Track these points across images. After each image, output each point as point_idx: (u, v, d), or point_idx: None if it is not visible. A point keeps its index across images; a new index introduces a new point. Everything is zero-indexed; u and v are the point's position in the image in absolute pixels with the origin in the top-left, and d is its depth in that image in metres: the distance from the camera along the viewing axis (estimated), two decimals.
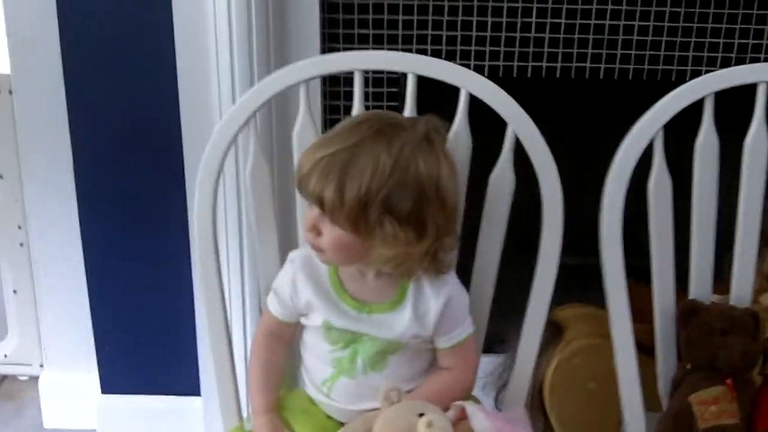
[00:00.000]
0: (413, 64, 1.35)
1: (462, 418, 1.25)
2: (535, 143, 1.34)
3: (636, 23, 1.71)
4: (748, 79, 1.36)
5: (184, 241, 1.83)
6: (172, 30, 1.68)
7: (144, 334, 1.95)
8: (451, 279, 1.30)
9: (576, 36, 1.71)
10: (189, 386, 1.97)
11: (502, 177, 1.36)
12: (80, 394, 2.06)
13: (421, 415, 1.20)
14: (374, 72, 1.54)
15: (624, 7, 1.69)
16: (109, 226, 1.88)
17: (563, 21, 1.69)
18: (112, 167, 1.84)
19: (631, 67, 1.74)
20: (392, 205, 1.16)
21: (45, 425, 2.11)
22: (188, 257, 1.83)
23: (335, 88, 1.69)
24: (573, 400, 1.73)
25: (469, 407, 1.25)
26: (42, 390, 2.09)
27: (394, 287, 1.28)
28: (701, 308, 1.39)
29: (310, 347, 1.34)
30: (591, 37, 1.71)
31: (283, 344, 1.36)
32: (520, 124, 1.34)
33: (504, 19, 1.68)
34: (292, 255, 1.33)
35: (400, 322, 1.27)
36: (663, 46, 1.73)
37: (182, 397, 2.00)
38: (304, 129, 1.36)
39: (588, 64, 1.73)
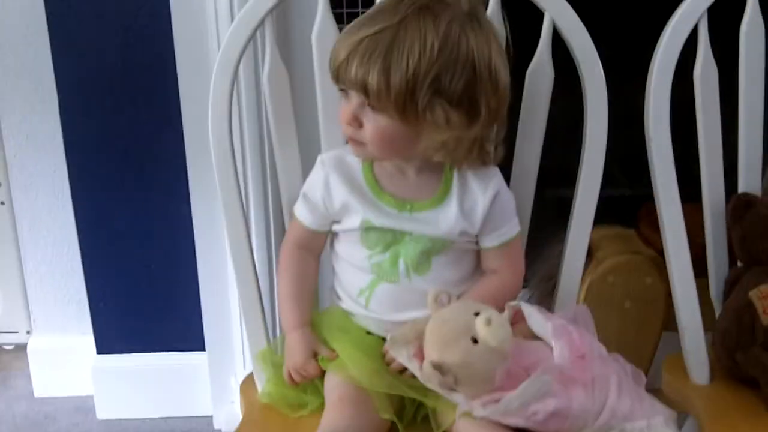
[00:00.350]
0: None
1: (517, 320, 1.15)
2: (576, 33, 1.25)
3: None
4: None
5: (182, 186, 1.73)
6: None
7: (141, 288, 1.83)
8: (497, 173, 1.21)
9: None
10: (192, 341, 1.86)
11: (540, 70, 1.26)
12: (73, 359, 1.95)
13: (477, 314, 1.10)
14: None
15: None
16: (100, 174, 1.76)
17: None
18: (100, 109, 1.72)
19: None
20: (443, 86, 1.08)
21: (36, 394, 1.99)
22: (187, 203, 1.74)
23: None
24: (608, 320, 1.64)
25: (525, 307, 1.16)
26: (31, 357, 1.98)
27: (437, 183, 1.19)
28: (755, 200, 1.31)
29: (344, 256, 1.23)
30: None
31: (313, 256, 1.26)
32: (558, 12, 1.24)
33: None
34: (322, 157, 1.23)
35: (446, 219, 1.17)
36: None
37: (185, 353, 1.89)
38: (324, 29, 1.26)
39: None
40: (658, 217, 1.30)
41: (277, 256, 1.46)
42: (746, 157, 1.34)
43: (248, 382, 1.33)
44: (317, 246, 1.25)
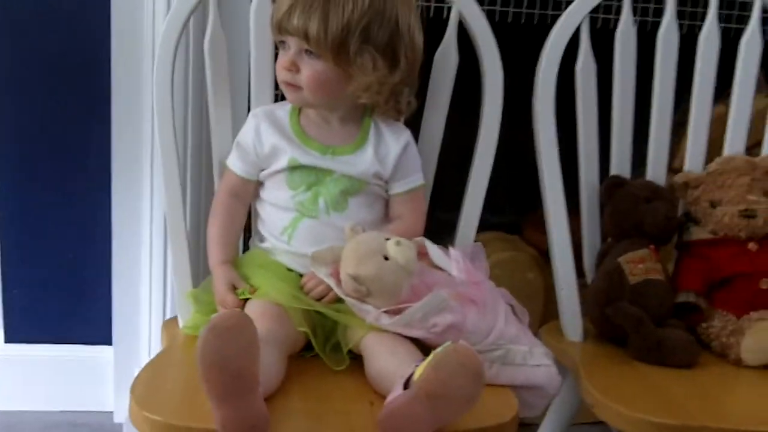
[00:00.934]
0: None
1: (422, 254, 1.31)
2: (478, 22, 1.45)
3: None
4: None
5: (104, 180, 1.81)
6: None
7: (55, 279, 1.89)
8: (408, 131, 1.39)
9: None
10: (100, 335, 1.92)
11: (447, 52, 1.46)
12: None
13: (388, 239, 1.26)
14: None
15: None
16: (23, 164, 1.83)
17: None
18: (25, 100, 1.80)
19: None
20: (371, 35, 1.27)
21: None
22: (108, 198, 1.81)
23: None
24: None
25: (427, 242, 1.32)
26: None
27: (356, 131, 1.36)
28: (625, 181, 1.52)
29: (269, 199, 1.38)
30: None
31: (242, 204, 1.40)
32: (464, 5, 1.45)
33: None
34: (254, 110, 1.40)
35: (362, 161, 1.35)
36: None
37: (92, 346, 1.94)
38: (261, 3, 1.43)
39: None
40: (541, 186, 1.48)
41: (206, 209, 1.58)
42: (618, 145, 1.54)
43: (170, 322, 1.45)
44: (246, 194, 1.40)
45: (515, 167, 1.79)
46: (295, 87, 1.31)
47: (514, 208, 2.17)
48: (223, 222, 1.38)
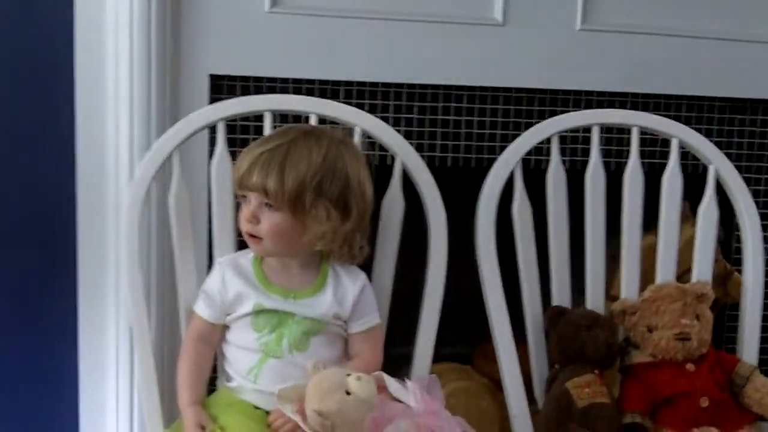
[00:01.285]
0: (316, 106, 1.59)
1: (380, 388, 1.39)
2: (420, 172, 1.59)
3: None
4: (583, 122, 1.68)
5: (70, 333, 1.89)
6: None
7: (24, 425, 1.94)
8: (363, 274, 1.50)
9: None
10: None
11: (393, 199, 1.58)
12: None
13: (349, 375, 1.35)
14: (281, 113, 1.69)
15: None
16: None
17: None
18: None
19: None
20: (324, 189, 1.40)
21: None
22: (74, 335, 1.89)
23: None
24: None
25: (385, 376, 1.41)
26: None
27: (315, 276, 1.46)
28: (566, 310, 1.63)
29: (235, 342, 1.46)
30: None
31: (209, 348, 1.48)
32: (407, 157, 1.58)
33: None
34: (219, 260, 1.50)
35: (322, 303, 1.45)
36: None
37: None
38: (222, 160, 1.55)
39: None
40: (488, 319, 1.58)
41: (170, 354, 1.65)
42: (557, 277, 1.66)
43: None
44: (213, 337, 1.48)
45: (463, 302, 1.88)
46: (257, 238, 1.41)
47: (464, 340, 2.26)
48: (190, 365, 1.46)
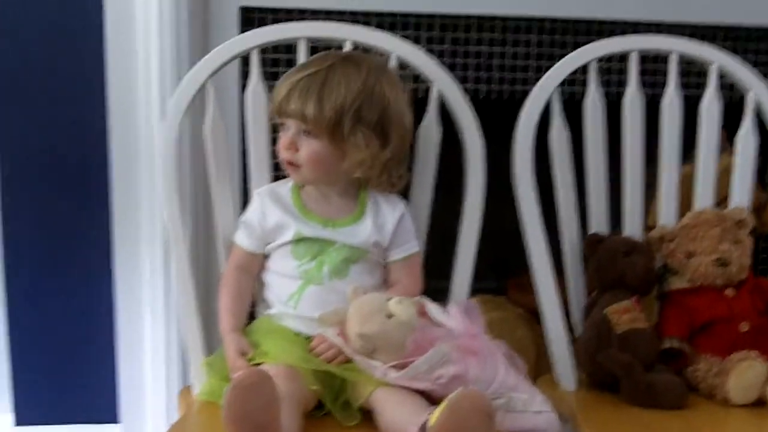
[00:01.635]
0: (352, 33, 1.58)
1: (422, 311, 1.39)
2: (457, 100, 1.57)
3: None
4: (621, 47, 1.66)
5: (106, 263, 1.90)
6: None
7: (62, 360, 1.97)
8: (401, 201, 1.49)
9: None
10: (107, 414, 1.99)
11: (430, 127, 1.57)
12: None
13: (389, 298, 1.35)
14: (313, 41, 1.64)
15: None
16: (33, 255, 1.93)
17: None
18: (37, 196, 1.91)
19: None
20: (363, 115, 1.39)
21: None
22: (109, 271, 1.91)
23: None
24: None
25: (426, 300, 1.41)
26: None
27: (354, 205, 1.47)
28: (605, 237, 1.62)
29: (276, 269, 1.47)
30: None
31: (250, 277, 1.48)
32: (443, 84, 1.57)
33: None
34: (258, 190, 1.50)
35: (363, 231, 1.45)
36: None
37: (100, 425, 2.00)
38: (257, 89, 1.54)
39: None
40: (527, 251, 1.57)
41: (210, 283, 1.66)
42: (595, 205, 1.64)
43: (185, 391, 1.51)
44: (254, 266, 1.48)
45: (496, 237, 1.88)
46: (296, 166, 1.41)
47: (496, 274, 2.27)
48: (232, 293, 1.46)
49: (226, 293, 1.46)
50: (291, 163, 1.42)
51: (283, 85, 1.40)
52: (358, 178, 1.45)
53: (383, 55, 1.54)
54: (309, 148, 1.40)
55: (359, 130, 1.39)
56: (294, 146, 1.40)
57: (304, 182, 1.46)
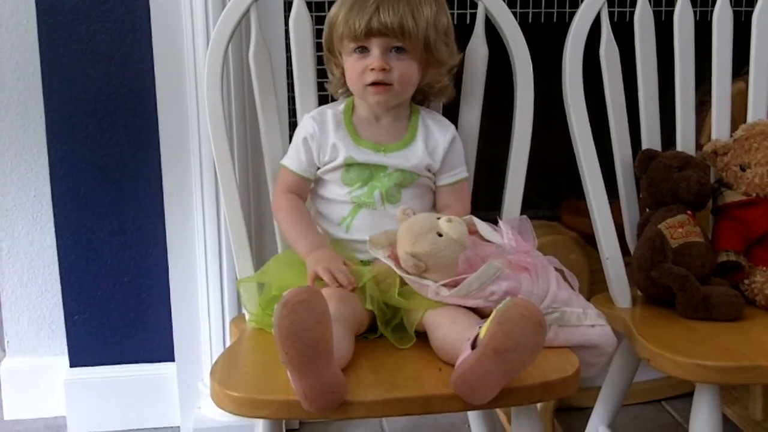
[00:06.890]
0: None
1: (471, 231, 1.38)
2: (504, 18, 1.54)
3: None
4: None
5: (157, 203, 1.90)
6: None
7: (115, 301, 1.97)
8: (452, 125, 1.49)
9: None
10: (162, 352, 2.00)
11: (476, 47, 1.54)
12: (44, 380, 2.05)
13: (439, 218, 1.34)
14: None
15: None
16: (81, 194, 1.92)
17: None
18: (83, 133, 1.90)
19: None
20: (441, 24, 1.41)
21: (5, 417, 2.06)
22: (162, 219, 1.90)
23: None
24: None
25: (476, 219, 1.40)
26: (3, 380, 2.06)
27: (404, 128, 1.46)
28: (657, 153, 1.59)
29: (326, 195, 1.46)
30: None
31: (301, 200, 1.48)
32: (491, 3, 1.54)
33: None
34: (308, 114, 1.48)
35: (414, 154, 1.44)
36: None
37: (154, 364, 2.02)
38: (299, 16, 1.52)
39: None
40: (580, 171, 1.55)
41: (260, 212, 1.66)
42: (647, 122, 1.62)
43: (238, 319, 1.53)
44: (303, 191, 1.48)
45: (547, 166, 1.86)
46: (386, 86, 1.39)
47: (547, 202, 2.25)
48: (293, 214, 1.45)
49: (286, 218, 1.45)
50: (382, 84, 1.40)
51: (362, 5, 1.37)
52: (410, 102, 1.45)
53: None
54: (402, 66, 1.39)
55: (441, 41, 1.40)
56: (388, 65, 1.38)
57: (388, 104, 1.43)
